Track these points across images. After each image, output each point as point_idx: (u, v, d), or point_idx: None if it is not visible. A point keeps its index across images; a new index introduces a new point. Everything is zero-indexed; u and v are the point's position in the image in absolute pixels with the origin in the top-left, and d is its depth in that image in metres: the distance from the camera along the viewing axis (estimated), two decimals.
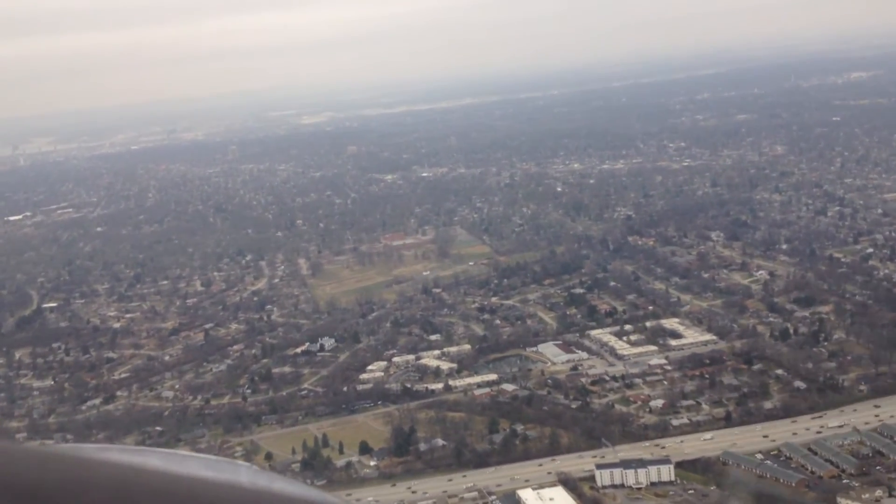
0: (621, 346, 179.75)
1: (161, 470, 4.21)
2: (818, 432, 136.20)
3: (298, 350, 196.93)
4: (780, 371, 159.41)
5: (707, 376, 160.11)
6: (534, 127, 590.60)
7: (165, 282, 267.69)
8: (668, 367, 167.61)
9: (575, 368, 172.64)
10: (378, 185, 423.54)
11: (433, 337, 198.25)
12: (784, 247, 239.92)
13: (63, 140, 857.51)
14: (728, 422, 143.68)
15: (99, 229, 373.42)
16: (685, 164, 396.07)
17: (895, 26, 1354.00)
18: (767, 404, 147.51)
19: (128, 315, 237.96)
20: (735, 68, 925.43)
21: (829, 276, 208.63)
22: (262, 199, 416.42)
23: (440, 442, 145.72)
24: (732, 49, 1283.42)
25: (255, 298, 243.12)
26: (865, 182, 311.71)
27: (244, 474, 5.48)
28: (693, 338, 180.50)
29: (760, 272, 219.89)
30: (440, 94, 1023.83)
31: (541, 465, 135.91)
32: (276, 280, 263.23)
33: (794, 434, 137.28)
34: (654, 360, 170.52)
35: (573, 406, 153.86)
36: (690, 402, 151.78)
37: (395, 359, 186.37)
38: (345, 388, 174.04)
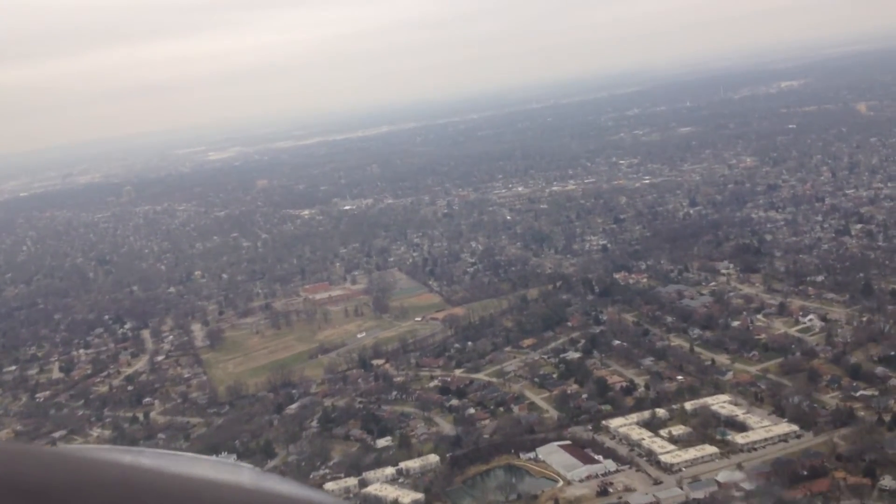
0: (663, 448, 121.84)
1: (164, 471, 4.25)
2: None
3: None
4: None
5: (817, 501, 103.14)
6: (461, 151, 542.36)
7: (13, 367, 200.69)
8: (749, 486, 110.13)
9: (604, 491, 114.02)
10: (294, 222, 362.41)
11: (382, 442, 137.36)
12: (820, 279, 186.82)
13: None
14: None
15: None
16: (645, 181, 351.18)
17: (799, 42, 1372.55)
18: None
19: None
20: (655, 85, 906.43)
21: None
22: (156, 247, 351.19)
23: None
24: (643, 70, 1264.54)
25: (130, 387, 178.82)
26: (873, 193, 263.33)
27: (246, 475, 5.41)
28: (765, 429, 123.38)
29: (809, 317, 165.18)
30: (356, 123, 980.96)
31: None
32: (161, 357, 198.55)
33: None
34: (724, 474, 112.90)
35: None
36: None
37: (329, 485, 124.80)
38: None
